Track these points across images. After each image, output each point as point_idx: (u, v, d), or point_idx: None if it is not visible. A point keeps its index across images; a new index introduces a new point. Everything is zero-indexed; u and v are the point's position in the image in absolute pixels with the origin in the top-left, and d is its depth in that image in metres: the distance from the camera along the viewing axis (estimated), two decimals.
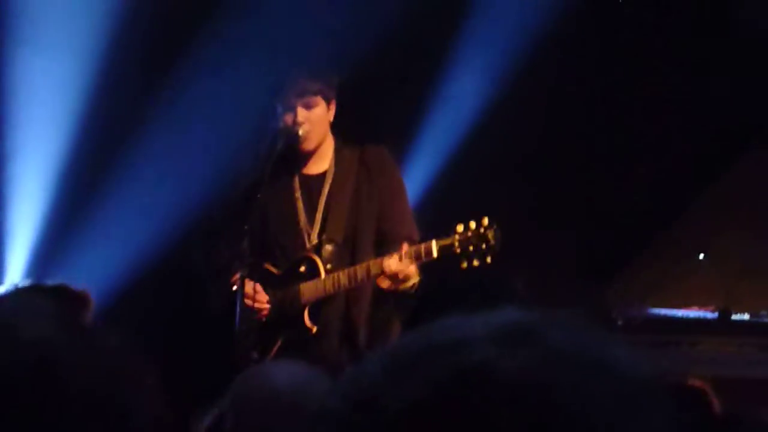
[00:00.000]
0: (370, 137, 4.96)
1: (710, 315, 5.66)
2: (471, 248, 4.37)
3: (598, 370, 0.85)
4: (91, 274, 5.33)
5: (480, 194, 5.89)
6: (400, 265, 4.38)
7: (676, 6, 6.23)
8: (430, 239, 4.44)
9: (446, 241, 4.40)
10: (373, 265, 4.47)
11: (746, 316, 5.65)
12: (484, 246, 4.37)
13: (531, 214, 6.21)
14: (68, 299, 3.76)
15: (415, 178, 5.63)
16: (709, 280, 6.09)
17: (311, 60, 4.92)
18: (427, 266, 4.48)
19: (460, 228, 4.40)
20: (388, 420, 0.83)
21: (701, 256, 6.28)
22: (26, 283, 3.87)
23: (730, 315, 5.61)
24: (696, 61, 6.20)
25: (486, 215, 4.42)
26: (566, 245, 6.30)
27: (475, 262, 4.37)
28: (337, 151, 4.81)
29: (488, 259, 4.37)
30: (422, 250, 4.41)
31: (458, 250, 4.37)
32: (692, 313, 5.72)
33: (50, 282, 3.88)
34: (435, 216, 5.06)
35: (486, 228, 4.38)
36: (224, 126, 5.66)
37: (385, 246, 4.63)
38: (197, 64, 5.76)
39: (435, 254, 4.38)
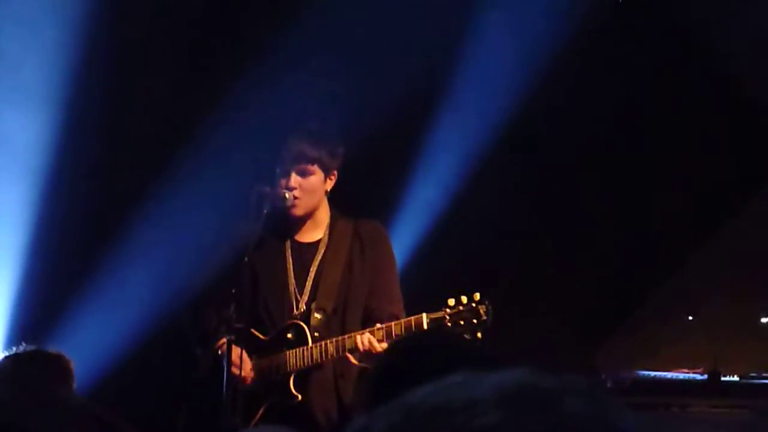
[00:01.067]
0: (357, 208, 4.93)
1: (700, 377, 5.64)
2: (462, 322, 4.35)
3: None
4: (74, 341, 5.31)
5: (465, 262, 5.91)
6: (377, 344, 4.36)
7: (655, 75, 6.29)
8: (420, 312, 4.40)
9: (437, 315, 4.36)
10: (360, 339, 4.42)
11: (736, 378, 5.63)
12: (475, 320, 4.35)
13: (519, 279, 6.21)
14: (42, 363, 3.80)
15: (400, 249, 5.64)
16: (698, 342, 6.07)
17: (317, 126, 4.81)
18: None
19: (451, 302, 4.37)
20: None
21: (690, 318, 6.27)
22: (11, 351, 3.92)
23: (720, 377, 5.59)
24: (685, 125, 6.24)
25: (472, 285, 4.43)
26: (554, 309, 6.29)
27: (466, 335, 4.35)
28: (333, 222, 4.76)
29: (479, 334, 4.36)
30: (412, 322, 4.36)
31: (449, 324, 4.35)
32: (682, 375, 5.70)
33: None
34: (419, 287, 5.05)
35: (478, 303, 4.36)
36: (214, 185, 5.67)
37: (370, 321, 4.59)
38: (187, 127, 5.78)
39: (425, 327, 4.34)
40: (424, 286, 5.18)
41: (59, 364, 3.87)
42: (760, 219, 6.32)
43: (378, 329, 4.40)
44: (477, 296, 4.38)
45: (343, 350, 4.45)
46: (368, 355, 4.40)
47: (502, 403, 0.83)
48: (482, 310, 4.35)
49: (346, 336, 4.48)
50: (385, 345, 4.36)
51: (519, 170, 6.23)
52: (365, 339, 4.39)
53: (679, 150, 6.23)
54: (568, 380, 0.87)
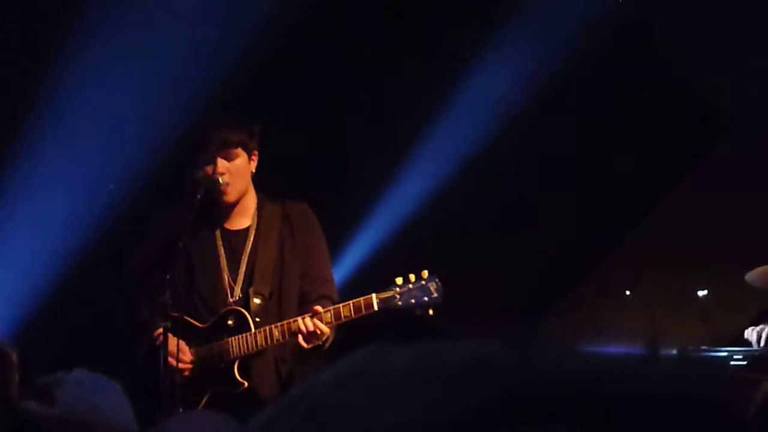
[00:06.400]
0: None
1: (638, 352, 5.67)
2: (413, 301, 4.36)
3: None
4: None
5: (418, 251, 5.93)
6: (323, 325, 4.35)
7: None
8: (370, 293, 4.38)
9: (386, 294, 4.36)
10: (302, 322, 4.40)
11: (674, 352, 5.66)
12: (426, 298, 4.37)
13: (463, 258, 6.22)
14: None
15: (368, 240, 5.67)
16: (636, 317, 6.10)
17: (231, 111, 4.82)
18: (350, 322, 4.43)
19: (399, 281, 4.38)
20: None
21: (628, 294, 6.31)
22: None
23: (659, 351, 5.62)
24: (628, 105, 6.27)
25: (418, 265, 4.43)
26: (494, 287, 6.30)
27: (418, 313, 4.37)
28: (260, 206, 4.75)
29: (430, 311, 4.36)
30: (362, 303, 4.35)
31: (399, 303, 4.35)
32: (621, 350, 5.72)
33: None
34: (382, 274, 5.05)
35: (427, 280, 4.39)
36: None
37: (305, 304, 4.58)
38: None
39: (375, 307, 4.34)
40: (368, 268, 5.16)
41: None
42: (695, 196, 6.37)
43: (326, 311, 4.38)
44: (425, 274, 4.40)
45: (289, 334, 4.42)
46: (312, 337, 4.38)
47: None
48: (432, 287, 4.38)
49: (291, 320, 4.45)
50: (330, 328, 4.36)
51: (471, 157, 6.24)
52: (308, 323, 4.37)
53: (620, 130, 6.26)
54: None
